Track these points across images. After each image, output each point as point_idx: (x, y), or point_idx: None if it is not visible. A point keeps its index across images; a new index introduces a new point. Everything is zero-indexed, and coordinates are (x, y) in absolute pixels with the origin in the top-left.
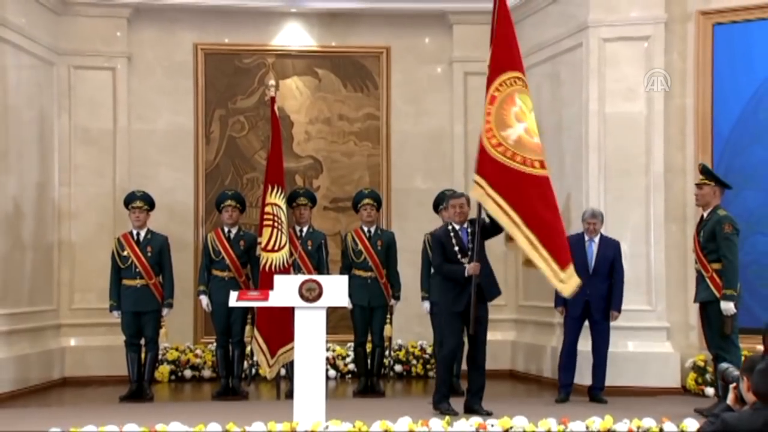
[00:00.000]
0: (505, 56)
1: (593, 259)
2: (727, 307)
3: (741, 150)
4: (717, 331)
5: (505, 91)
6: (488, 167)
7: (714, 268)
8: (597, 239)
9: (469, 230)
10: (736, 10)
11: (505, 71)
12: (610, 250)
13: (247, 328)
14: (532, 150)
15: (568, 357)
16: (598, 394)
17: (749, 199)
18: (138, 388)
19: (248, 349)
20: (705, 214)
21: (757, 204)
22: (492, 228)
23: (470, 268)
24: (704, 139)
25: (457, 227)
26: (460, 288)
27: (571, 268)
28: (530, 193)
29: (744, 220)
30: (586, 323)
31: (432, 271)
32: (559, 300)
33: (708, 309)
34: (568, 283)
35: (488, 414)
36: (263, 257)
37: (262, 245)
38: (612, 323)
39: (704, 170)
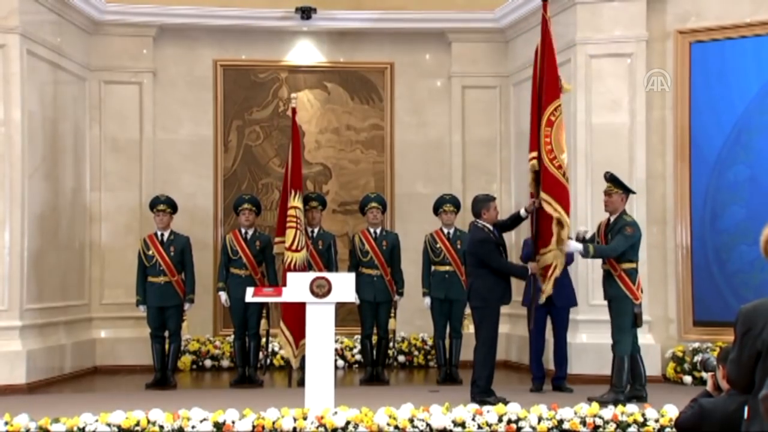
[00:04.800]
0: (554, 84)
1: None
2: (574, 243)
3: (727, 169)
4: (618, 321)
5: (558, 117)
6: (551, 184)
7: (623, 267)
8: None
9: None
10: (711, 30)
11: (555, 99)
12: None
13: (263, 321)
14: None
15: (537, 352)
16: (562, 383)
17: (736, 214)
18: (162, 377)
19: (263, 340)
20: (612, 219)
21: (742, 218)
22: (510, 225)
23: (532, 267)
24: (683, 148)
25: (491, 227)
26: (506, 284)
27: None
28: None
29: (731, 232)
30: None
31: (432, 269)
32: (527, 298)
33: (613, 304)
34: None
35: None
36: (287, 256)
37: (287, 245)
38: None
39: (611, 179)
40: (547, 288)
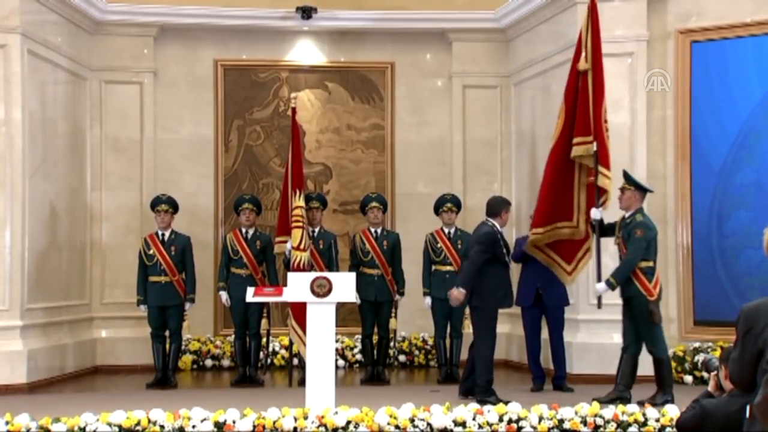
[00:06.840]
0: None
1: None
2: (599, 287)
3: (734, 173)
4: (641, 324)
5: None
6: (605, 158)
7: (640, 267)
8: None
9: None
10: (712, 30)
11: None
12: None
13: (263, 321)
14: None
15: (533, 351)
16: (562, 383)
17: (742, 218)
18: (163, 376)
19: (264, 340)
20: (626, 216)
21: (748, 222)
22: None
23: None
24: (683, 148)
25: (499, 228)
26: (508, 287)
27: None
28: None
29: (738, 236)
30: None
31: (433, 268)
32: (521, 299)
33: (632, 304)
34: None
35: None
36: (295, 255)
37: (295, 245)
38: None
39: (625, 176)
40: (575, 275)
